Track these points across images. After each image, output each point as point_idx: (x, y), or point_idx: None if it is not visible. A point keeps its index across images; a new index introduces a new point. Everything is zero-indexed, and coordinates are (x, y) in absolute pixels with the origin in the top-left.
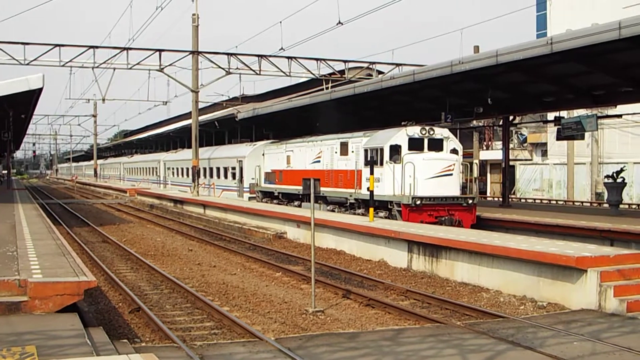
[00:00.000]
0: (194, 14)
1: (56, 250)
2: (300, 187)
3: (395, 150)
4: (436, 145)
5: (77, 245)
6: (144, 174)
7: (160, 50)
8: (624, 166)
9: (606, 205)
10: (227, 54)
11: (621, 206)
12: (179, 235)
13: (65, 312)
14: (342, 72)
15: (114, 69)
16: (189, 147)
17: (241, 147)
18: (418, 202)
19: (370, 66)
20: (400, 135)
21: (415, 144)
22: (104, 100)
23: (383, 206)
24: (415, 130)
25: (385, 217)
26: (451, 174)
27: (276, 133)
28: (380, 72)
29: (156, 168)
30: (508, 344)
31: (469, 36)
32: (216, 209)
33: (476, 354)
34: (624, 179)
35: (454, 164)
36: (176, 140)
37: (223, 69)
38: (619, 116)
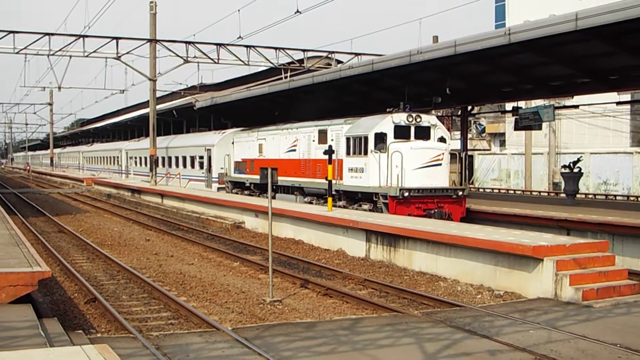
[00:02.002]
0: (151, 2)
1: (9, 241)
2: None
3: (380, 138)
4: (423, 133)
5: (32, 236)
6: (105, 163)
7: (117, 38)
8: (581, 156)
9: (563, 195)
10: (185, 42)
11: (578, 196)
12: (136, 225)
13: (18, 303)
14: (301, 61)
15: (70, 56)
16: (148, 135)
17: (209, 135)
18: (406, 194)
19: (330, 55)
20: (385, 123)
21: (401, 132)
22: (60, 88)
23: (367, 198)
24: (401, 118)
25: (370, 210)
26: (440, 164)
27: (235, 122)
28: (339, 62)
29: (118, 157)
30: (465, 332)
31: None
32: (174, 198)
33: (433, 343)
34: (580, 169)
35: (442, 153)
36: (134, 129)
37: (181, 57)
38: (576, 107)
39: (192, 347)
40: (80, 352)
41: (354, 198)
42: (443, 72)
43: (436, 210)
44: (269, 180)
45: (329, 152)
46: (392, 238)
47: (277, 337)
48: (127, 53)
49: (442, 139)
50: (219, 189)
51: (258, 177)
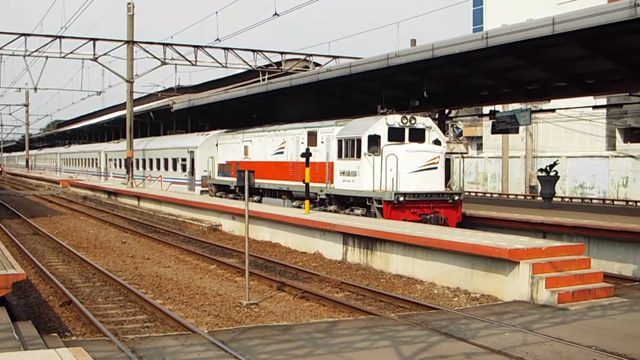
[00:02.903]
0: (129, 3)
1: None
2: (260, 181)
3: (374, 140)
4: (418, 135)
5: (7, 238)
6: (83, 165)
7: (94, 39)
8: (557, 160)
9: (540, 198)
10: (163, 44)
11: (554, 199)
12: (113, 228)
13: None
14: (279, 63)
15: (47, 57)
16: (125, 137)
17: (192, 136)
18: (401, 199)
19: (308, 58)
20: (379, 125)
21: (395, 134)
22: (36, 89)
23: (360, 203)
24: (395, 119)
25: (363, 215)
26: (436, 167)
27: (212, 124)
28: (317, 64)
29: (97, 159)
30: (441, 335)
31: (406, 29)
32: (151, 200)
33: (409, 346)
34: (557, 173)
35: (438, 157)
36: (111, 131)
37: (158, 59)
38: (553, 110)
39: (168, 350)
40: (54, 356)
41: (345, 202)
42: (421, 76)
43: (432, 216)
44: (246, 183)
45: (306, 154)
46: (369, 241)
47: (254, 340)
48: (104, 54)
49: (437, 142)
50: (202, 192)
51: None
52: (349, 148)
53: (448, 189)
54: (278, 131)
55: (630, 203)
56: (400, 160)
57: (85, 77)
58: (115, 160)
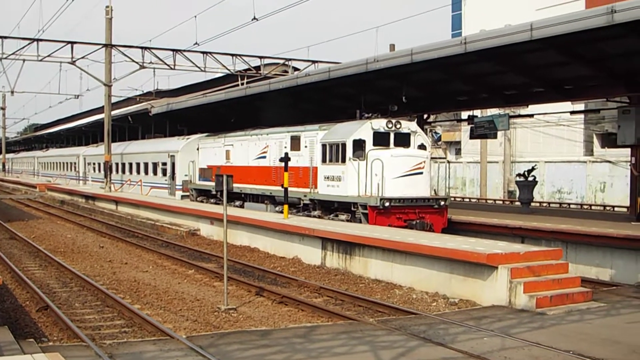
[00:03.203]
0: (107, 6)
1: None
2: (243, 185)
3: (359, 145)
4: (403, 140)
5: None
6: (62, 169)
7: (72, 43)
8: (535, 165)
9: (518, 203)
10: (141, 47)
11: (532, 204)
12: (90, 232)
13: None
14: (257, 68)
15: (24, 60)
16: (102, 141)
17: (173, 140)
18: (387, 204)
19: (286, 62)
20: (364, 129)
21: (380, 139)
22: (12, 92)
23: (344, 208)
24: (380, 124)
25: (348, 221)
26: (421, 172)
27: (191, 128)
28: (296, 69)
29: (75, 163)
30: (420, 340)
31: (385, 34)
32: (129, 205)
33: (388, 351)
34: (535, 178)
35: (424, 161)
36: (89, 134)
37: (137, 63)
38: (531, 116)
39: (146, 356)
40: None
41: (330, 208)
42: (399, 80)
43: (418, 221)
44: (225, 187)
45: (285, 159)
46: (347, 246)
47: (232, 345)
48: (82, 58)
49: (422, 146)
50: (182, 196)
51: None
52: (334, 153)
53: (433, 194)
54: (260, 135)
55: (608, 208)
56: (385, 165)
57: (63, 81)
58: (94, 164)
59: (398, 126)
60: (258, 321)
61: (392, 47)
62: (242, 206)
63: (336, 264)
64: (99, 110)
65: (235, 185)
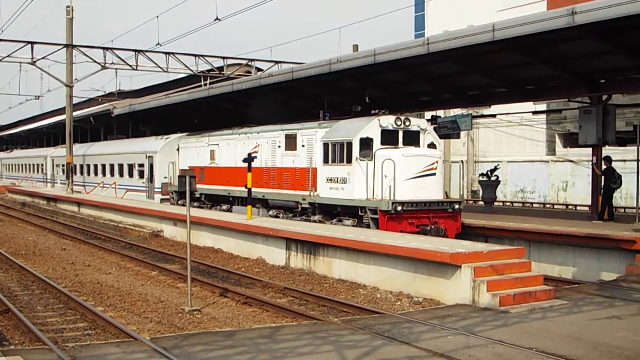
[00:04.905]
0: (68, 6)
1: None
2: (230, 188)
3: (366, 144)
4: (412, 138)
5: None
6: (28, 170)
7: (32, 43)
8: (498, 164)
9: (481, 202)
10: (103, 48)
11: (495, 203)
12: (52, 234)
13: None
14: (220, 68)
15: None
16: (64, 142)
17: (151, 140)
18: (399, 208)
19: (250, 63)
20: (372, 127)
21: (388, 137)
22: None
23: (349, 213)
24: (389, 121)
25: (354, 226)
26: (434, 174)
27: (154, 129)
28: (259, 69)
29: (42, 165)
30: (384, 339)
31: (348, 35)
32: (91, 206)
33: (353, 350)
34: (498, 177)
35: (437, 161)
36: (50, 136)
37: (99, 63)
38: (493, 116)
39: (109, 358)
40: None
41: (332, 212)
42: (363, 81)
43: (432, 227)
44: (187, 188)
45: (249, 160)
46: (312, 246)
47: (196, 347)
48: (43, 58)
49: (432, 145)
50: (162, 200)
51: (209, 187)
52: (338, 152)
53: (446, 197)
54: (250, 134)
55: (570, 207)
56: (397, 165)
57: (23, 81)
58: (63, 166)
59: (407, 123)
60: (222, 322)
61: (356, 47)
62: (229, 210)
63: (300, 264)
64: (61, 111)
65: (222, 187)
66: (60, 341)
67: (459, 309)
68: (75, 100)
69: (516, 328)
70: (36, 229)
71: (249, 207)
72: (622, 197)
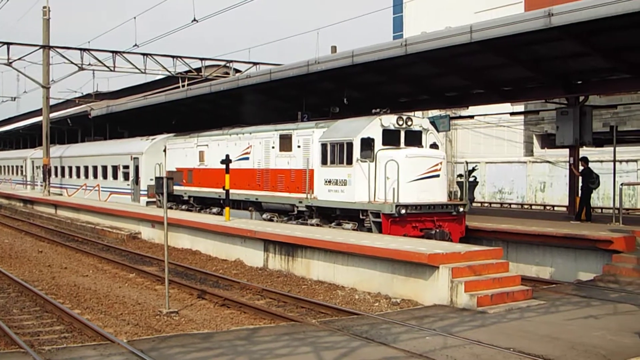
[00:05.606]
0: (44, 7)
1: None
2: (222, 190)
3: (367, 144)
4: (414, 138)
5: None
6: (6, 173)
7: (8, 44)
8: (476, 165)
9: None
10: (80, 49)
11: (473, 204)
12: (29, 237)
13: None
14: (198, 70)
15: None
16: (41, 144)
17: (136, 141)
18: (403, 212)
19: (228, 64)
20: (373, 126)
21: (390, 137)
22: None
23: (349, 216)
24: (390, 121)
25: (354, 230)
26: (438, 175)
27: (132, 131)
28: (237, 71)
29: (22, 167)
30: (362, 340)
31: (326, 36)
32: (68, 209)
33: (330, 351)
34: (476, 178)
35: (440, 163)
36: (27, 137)
37: (76, 64)
38: (471, 117)
39: None
40: None
41: (330, 215)
42: (341, 82)
43: (437, 231)
44: (165, 190)
45: (226, 161)
46: (290, 247)
47: (174, 349)
48: (19, 59)
49: (434, 145)
50: (148, 203)
51: (198, 189)
52: (337, 153)
53: (449, 199)
54: (242, 134)
55: (548, 207)
56: (401, 167)
57: None
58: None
59: (409, 123)
60: (200, 324)
61: (334, 49)
62: (220, 213)
63: (279, 265)
64: (37, 112)
65: (212, 190)
66: (36, 344)
67: (437, 310)
68: (52, 102)
69: (494, 328)
70: (12, 232)
71: (227, 208)
72: (600, 198)
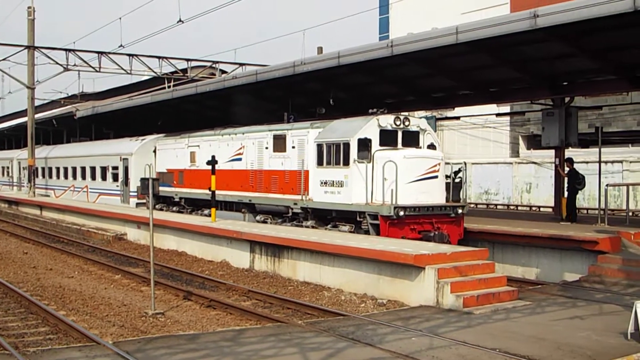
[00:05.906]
0: (29, 7)
1: None
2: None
3: (364, 145)
4: (411, 139)
5: None
6: None
7: None
8: (461, 167)
9: None
10: (66, 49)
11: None
12: (13, 238)
13: None
14: (184, 70)
15: None
16: (26, 145)
17: (125, 141)
18: (401, 214)
19: (214, 65)
20: (370, 127)
21: (387, 138)
22: None
23: (346, 218)
24: (388, 121)
25: (351, 232)
26: (436, 176)
27: (117, 132)
28: (223, 72)
29: (8, 168)
30: (348, 341)
31: (312, 37)
32: (54, 210)
33: (316, 352)
34: (462, 179)
35: (439, 164)
36: (11, 138)
37: (61, 65)
38: (458, 118)
39: None
40: None
41: (326, 217)
42: (327, 83)
43: (436, 233)
44: (150, 191)
45: (212, 162)
46: (276, 248)
47: (159, 350)
48: (4, 60)
49: (431, 146)
50: (138, 204)
51: (189, 190)
52: (334, 154)
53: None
54: (234, 135)
55: (534, 208)
56: (399, 168)
57: None
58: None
59: (407, 123)
60: (186, 325)
61: (320, 49)
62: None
63: (265, 266)
64: (22, 113)
65: (204, 191)
66: (21, 346)
67: (423, 311)
68: (37, 103)
69: (480, 329)
70: None
71: (213, 209)
72: (585, 199)
